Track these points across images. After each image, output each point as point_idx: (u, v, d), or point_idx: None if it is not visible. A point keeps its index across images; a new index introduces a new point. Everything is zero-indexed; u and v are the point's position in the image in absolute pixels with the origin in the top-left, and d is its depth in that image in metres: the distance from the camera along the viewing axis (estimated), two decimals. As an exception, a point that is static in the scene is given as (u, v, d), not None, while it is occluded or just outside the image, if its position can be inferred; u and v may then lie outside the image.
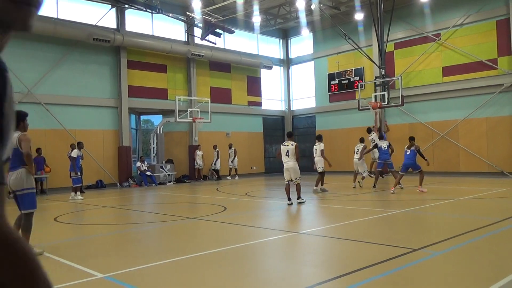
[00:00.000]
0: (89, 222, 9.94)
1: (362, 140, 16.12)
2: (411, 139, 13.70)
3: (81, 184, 15.41)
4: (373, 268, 5.01)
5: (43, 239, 8.01)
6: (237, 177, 22.98)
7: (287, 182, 11.45)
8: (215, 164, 22.58)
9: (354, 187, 15.22)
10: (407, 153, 13.38)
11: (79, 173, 15.01)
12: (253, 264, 5.68)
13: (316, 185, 14.23)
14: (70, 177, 15.12)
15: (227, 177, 22.92)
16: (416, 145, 13.44)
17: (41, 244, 7.25)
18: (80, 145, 15.32)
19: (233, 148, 23.03)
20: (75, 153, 14.93)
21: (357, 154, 15.65)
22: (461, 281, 4.56)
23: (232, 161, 23.05)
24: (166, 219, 9.76)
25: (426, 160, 13.20)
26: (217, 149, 22.51)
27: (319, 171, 14.02)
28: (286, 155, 11.33)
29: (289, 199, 11.25)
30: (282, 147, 11.53)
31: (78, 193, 15.04)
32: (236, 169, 23.26)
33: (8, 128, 0.93)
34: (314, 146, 14.35)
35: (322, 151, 13.98)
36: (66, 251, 6.73)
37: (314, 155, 14.31)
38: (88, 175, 18.81)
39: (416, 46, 21.61)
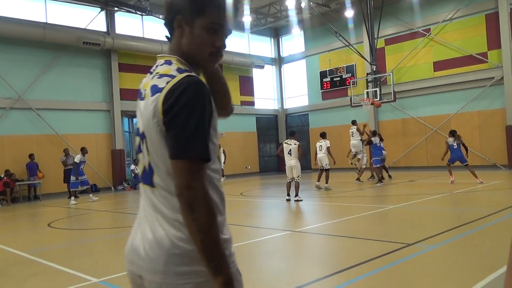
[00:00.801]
0: (83, 227, 9.89)
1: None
2: (454, 132, 13.87)
3: (76, 189, 15.33)
4: (368, 264, 5.02)
5: (36, 244, 7.96)
6: (223, 178, 22.58)
7: (289, 180, 11.68)
8: None
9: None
10: (454, 146, 13.65)
11: (79, 178, 15.02)
12: (249, 263, 5.67)
13: (318, 180, 14.20)
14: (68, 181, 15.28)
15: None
16: (461, 138, 13.68)
17: (35, 250, 7.21)
18: (84, 151, 15.40)
19: (221, 149, 22.79)
20: (78, 158, 15.13)
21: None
22: (455, 274, 4.58)
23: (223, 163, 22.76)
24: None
25: (467, 152, 13.62)
26: None
27: (325, 168, 13.93)
28: (288, 153, 11.49)
29: (288, 195, 11.55)
30: (284, 145, 11.66)
31: (72, 198, 14.99)
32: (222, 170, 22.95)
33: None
34: (318, 143, 14.37)
35: (328, 148, 14.02)
36: (60, 257, 6.69)
37: (318, 152, 14.26)
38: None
39: (406, 42, 21.70)
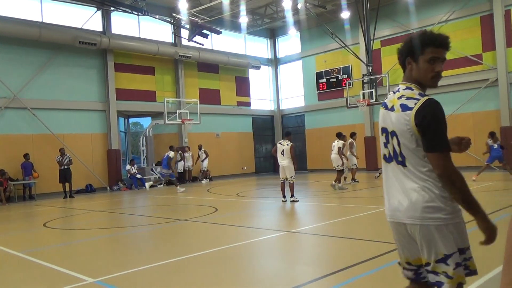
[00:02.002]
0: (78, 227, 9.87)
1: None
2: (494, 133, 14.66)
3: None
4: (364, 265, 5.04)
5: (32, 244, 7.93)
6: (205, 180, 22.02)
7: (282, 181, 11.64)
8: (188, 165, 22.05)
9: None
10: (495, 146, 14.42)
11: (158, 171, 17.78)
12: (245, 264, 5.68)
13: (335, 181, 13.97)
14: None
15: (202, 181, 22.09)
16: (498, 139, 14.53)
17: (30, 250, 7.18)
18: (172, 148, 18.03)
19: (203, 149, 22.19)
20: (172, 154, 17.56)
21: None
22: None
23: (202, 162, 22.18)
24: (157, 222, 9.72)
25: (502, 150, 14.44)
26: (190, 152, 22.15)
27: (338, 169, 13.87)
28: (281, 153, 11.46)
29: (284, 196, 11.52)
30: (278, 145, 11.64)
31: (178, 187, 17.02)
32: (205, 171, 22.35)
33: None
34: (333, 143, 14.34)
35: (339, 148, 13.89)
36: (55, 257, 6.68)
37: (331, 152, 14.29)
38: (77, 179, 18.66)
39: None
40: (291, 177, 11.42)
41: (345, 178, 15.36)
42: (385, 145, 2.51)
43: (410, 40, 2.47)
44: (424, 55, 2.40)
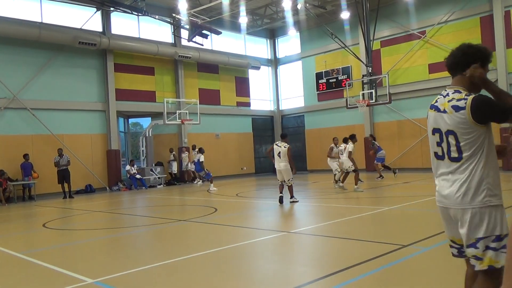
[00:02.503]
0: (78, 228, 9.86)
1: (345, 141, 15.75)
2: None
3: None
4: (363, 265, 5.03)
5: (31, 245, 7.93)
6: (199, 182, 21.33)
7: (280, 183, 11.50)
8: (187, 166, 21.76)
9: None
10: None
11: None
12: (245, 264, 5.67)
13: (356, 184, 13.37)
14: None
15: (197, 182, 21.50)
16: None
17: (30, 250, 7.18)
18: (202, 151, 18.41)
19: (196, 149, 20.64)
20: (202, 158, 18.18)
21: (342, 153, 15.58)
22: (450, 276, 4.60)
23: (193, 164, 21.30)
24: (157, 222, 9.71)
25: None
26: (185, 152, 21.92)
27: (350, 170, 13.51)
28: (278, 155, 11.27)
29: (281, 192, 11.29)
30: (275, 146, 11.48)
31: (212, 185, 17.68)
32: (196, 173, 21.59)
33: None
34: (342, 146, 14.08)
35: (350, 152, 13.45)
36: (55, 257, 6.67)
37: (340, 155, 14.08)
38: (77, 180, 18.66)
39: (402, 44, 21.79)
40: (288, 180, 11.24)
41: (336, 181, 14.89)
42: (438, 144, 2.81)
43: (484, 50, 2.81)
44: (486, 67, 2.81)
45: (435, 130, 2.82)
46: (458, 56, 2.83)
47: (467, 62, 2.78)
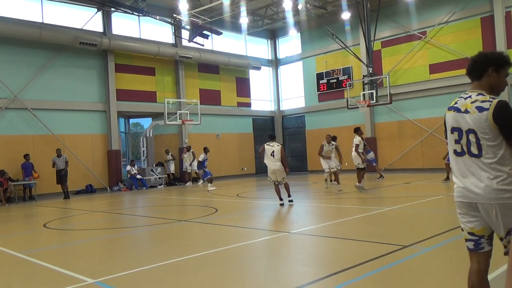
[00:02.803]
0: (79, 228, 9.86)
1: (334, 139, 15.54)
2: None
3: (209, 176, 18.39)
4: (364, 266, 5.03)
5: (32, 245, 7.93)
6: (200, 182, 21.28)
7: (276, 183, 11.24)
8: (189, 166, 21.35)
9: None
10: None
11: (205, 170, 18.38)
12: (245, 265, 5.67)
13: (359, 182, 13.10)
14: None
15: (188, 183, 21.16)
16: None
17: (30, 250, 7.18)
18: (206, 150, 18.57)
19: (191, 150, 21.21)
20: (201, 157, 18.25)
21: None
22: (451, 277, 4.60)
23: (190, 165, 21.30)
24: (158, 222, 9.71)
25: None
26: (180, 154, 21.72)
27: (359, 167, 13.11)
28: (271, 155, 11.04)
29: (281, 199, 11.06)
30: (267, 147, 11.16)
31: (209, 184, 17.99)
32: (189, 173, 21.63)
33: None
34: (354, 139, 13.46)
35: (357, 145, 13.04)
36: (55, 257, 6.67)
37: (353, 148, 13.44)
38: (78, 180, 18.69)
39: (402, 44, 21.79)
40: (283, 179, 11.10)
41: (326, 180, 14.55)
42: (457, 141, 3.03)
43: (498, 54, 3.02)
44: (504, 71, 3.00)
45: (454, 129, 3.05)
46: (471, 64, 3.10)
47: (480, 69, 3.03)
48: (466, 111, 2.96)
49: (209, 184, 17.94)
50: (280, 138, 27.54)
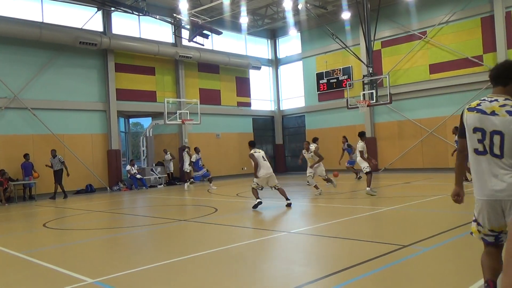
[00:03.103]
0: (78, 227, 9.86)
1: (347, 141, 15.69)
2: None
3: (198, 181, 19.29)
4: (363, 266, 5.03)
5: (32, 245, 7.93)
6: (185, 185, 19.40)
7: (261, 188, 10.94)
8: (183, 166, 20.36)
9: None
10: None
11: (199, 172, 18.39)
12: (244, 264, 5.67)
13: (369, 186, 12.32)
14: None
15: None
16: None
17: (30, 250, 7.18)
18: (197, 150, 18.54)
19: (185, 150, 20.11)
20: (194, 157, 18.22)
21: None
22: (450, 276, 4.60)
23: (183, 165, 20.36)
24: (157, 222, 9.71)
25: None
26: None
27: (365, 171, 12.45)
28: (264, 160, 10.89)
29: (258, 197, 10.78)
30: (256, 154, 10.91)
31: (188, 184, 18.45)
32: (188, 173, 20.30)
33: None
34: (357, 144, 12.78)
35: (361, 152, 12.42)
36: (55, 257, 6.67)
37: (358, 154, 12.74)
38: (78, 180, 18.69)
39: (403, 44, 21.78)
40: (276, 184, 10.87)
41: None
42: (479, 141, 3.18)
43: None
44: None
45: (477, 129, 3.20)
46: (501, 71, 3.27)
47: (508, 76, 3.23)
48: (493, 113, 3.14)
49: (211, 184, 17.93)
50: (280, 137, 27.53)
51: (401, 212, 9.22)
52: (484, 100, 3.24)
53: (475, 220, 3.39)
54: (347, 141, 17.86)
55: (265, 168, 10.84)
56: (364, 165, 12.36)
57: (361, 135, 12.68)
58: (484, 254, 3.41)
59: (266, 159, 10.98)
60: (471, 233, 3.48)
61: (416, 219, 8.42)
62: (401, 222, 8.16)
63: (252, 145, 11.38)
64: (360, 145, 12.50)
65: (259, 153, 10.98)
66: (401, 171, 20.85)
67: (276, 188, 10.99)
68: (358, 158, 12.58)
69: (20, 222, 11.62)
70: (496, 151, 3.09)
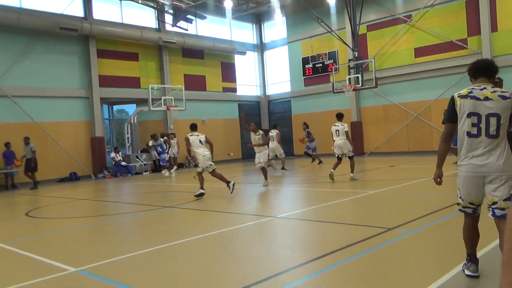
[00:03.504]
0: (62, 216, 9.72)
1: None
2: None
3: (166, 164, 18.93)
4: (350, 249, 5.03)
5: (13, 235, 7.79)
6: (167, 173, 18.58)
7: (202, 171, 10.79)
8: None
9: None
10: None
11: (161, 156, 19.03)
12: (231, 250, 5.64)
13: (352, 171, 12.00)
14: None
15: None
16: None
17: (12, 240, 7.04)
18: (155, 137, 19.38)
19: (164, 138, 19.82)
20: (151, 143, 19.39)
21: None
22: (437, 258, 4.62)
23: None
24: (143, 209, 9.62)
25: None
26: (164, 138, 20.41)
27: (348, 155, 12.01)
28: (200, 143, 10.77)
29: (203, 189, 10.75)
30: (192, 137, 10.75)
31: (166, 170, 18.15)
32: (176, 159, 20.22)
33: None
34: (334, 127, 12.16)
35: (347, 132, 11.94)
36: (37, 246, 6.57)
37: (335, 137, 12.12)
38: (61, 168, 18.43)
39: (388, 28, 21.74)
40: (210, 165, 10.85)
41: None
42: (474, 125, 3.57)
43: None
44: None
45: (472, 114, 3.58)
46: (493, 66, 3.75)
47: (494, 72, 3.77)
48: (487, 99, 3.57)
49: (165, 170, 18.12)
50: (267, 123, 27.46)
51: (386, 195, 9.27)
52: (474, 88, 3.64)
53: (458, 195, 3.86)
54: (307, 128, 18.19)
55: (199, 151, 10.65)
56: (350, 149, 12.07)
57: (341, 116, 12.39)
58: (465, 227, 3.92)
59: (203, 143, 10.75)
60: (459, 209, 3.96)
61: (401, 202, 8.47)
62: (386, 205, 8.20)
63: (191, 128, 11.13)
64: (346, 125, 12.14)
65: (196, 137, 10.71)
66: (387, 155, 21.00)
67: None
68: (342, 141, 12.04)
69: (2, 211, 11.42)
70: (493, 132, 3.50)
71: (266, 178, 12.23)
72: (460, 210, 3.88)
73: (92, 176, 19.52)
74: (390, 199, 8.85)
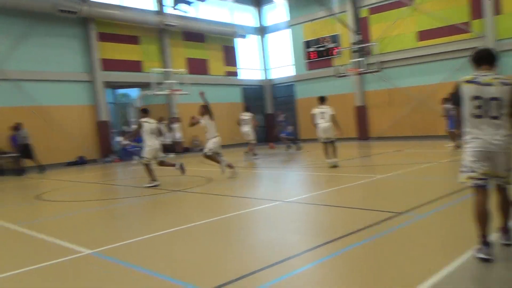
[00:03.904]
0: (72, 199, 9.83)
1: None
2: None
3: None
4: (359, 234, 5.10)
5: (26, 217, 7.90)
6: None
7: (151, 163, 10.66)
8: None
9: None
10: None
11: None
12: (240, 233, 5.73)
13: (335, 157, 11.77)
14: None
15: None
16: None
17: (24, 222, 7.15)
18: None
19: (163, 122, 19.78)
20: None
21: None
22: (446, 243, 4.70)
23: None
24: (151, 193, 9.71)
25: None
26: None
27: (332, 139, 11.73)
28: (151, 133, 10.54)
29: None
30: (146, 124, 10.47)
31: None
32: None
33: None
34: (319, 110, 11.83)
35: (333, 115, 11.61)
36: (51, 229, 6.66)
37: (320, 120, 11.75)
38: (68, 152, 18.54)
39: (390, 11, 21.51)
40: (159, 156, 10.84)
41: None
42: (477, 107, 3.95)
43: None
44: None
45: (476, 97, 3.96)
46: (495, 55, 4.13)
47: (495, 60, 4.15)
48: (489, 84, 3.95)
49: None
50: (270, 107, 27.41)
51: (393, 180, 9.34)
52: (477, 75, 4.02)
53: (467, 171, 4.04)
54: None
55: (150, 141, 10.45)
56: (335, 133, 11.66)
57: (325, 100, 12.02)
58: (476, 205, 4.02)
59: (154, 132, 10.52)
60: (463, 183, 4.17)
61: (409, 187, 8.54)
62: (394, 190, 8.28)
63: (143, 112, 10.69)
64: (332, 108, 11.77)
65: (151, 124, 10.45)
66: (392, 139, 21.01)
67: (159, 160, 10.72)
68: (328, 124, 11.62)
69: (12, 194, 11.54)
70: (494, 113, 3.91)
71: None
72: (472, 185, 4.02)
73: (99, 160, 19.58)
74: (397, 184, 8.92)
